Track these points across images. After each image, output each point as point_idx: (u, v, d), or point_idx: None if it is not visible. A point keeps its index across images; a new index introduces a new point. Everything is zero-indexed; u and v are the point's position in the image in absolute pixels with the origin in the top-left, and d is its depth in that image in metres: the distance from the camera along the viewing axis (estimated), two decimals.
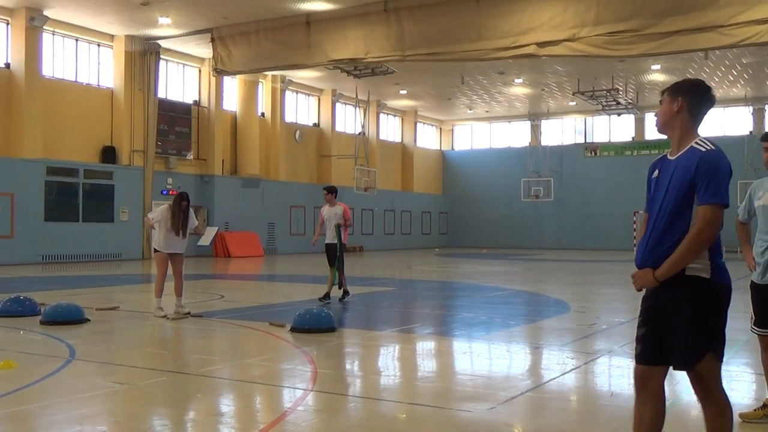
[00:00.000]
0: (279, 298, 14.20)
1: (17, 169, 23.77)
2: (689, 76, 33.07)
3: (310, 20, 22.42)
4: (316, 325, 9.01)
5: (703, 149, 3.58)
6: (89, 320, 9.87)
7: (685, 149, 3.66)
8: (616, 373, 7.03)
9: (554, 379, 6.56)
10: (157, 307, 10.57)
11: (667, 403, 5.68)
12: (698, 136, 3.69)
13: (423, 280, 19.66)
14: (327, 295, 12.59)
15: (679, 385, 6.34)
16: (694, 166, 3.54)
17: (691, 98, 3.70)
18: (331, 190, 12.98)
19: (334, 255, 12.76)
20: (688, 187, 3.55)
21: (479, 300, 14.19)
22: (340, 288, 12.80)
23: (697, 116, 3.71)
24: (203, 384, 6.34)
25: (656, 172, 3.79)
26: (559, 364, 7.23)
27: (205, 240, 11.73)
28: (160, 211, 10.74)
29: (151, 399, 5.92)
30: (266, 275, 21.91)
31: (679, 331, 3.57)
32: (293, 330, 9.02)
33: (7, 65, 24.24)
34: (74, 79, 26.62)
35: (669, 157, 3.76)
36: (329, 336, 8.82)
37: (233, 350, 8.49)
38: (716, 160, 3.52)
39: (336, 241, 12.76)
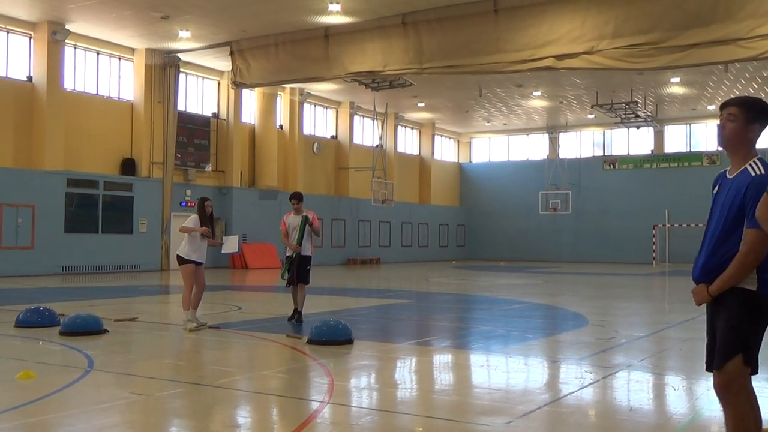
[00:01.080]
0: None
1: (38, 180, 24.03)
2: (709, 89, 33.07)
3: (329, 33, 22.56)
4: (333, 338, 9.01)
5: (754, 173, 3.68)
6: (108, 331, 9.92)
7: (740, 170, 3.76)
8: (635, 388, 6.97)
9: (572, 393, 6.51)
10: (187, 320, 10.41)
11: (687, 418, 5.65)
12: (756, 155, 3.79)
13: (440, 293, 19.61)
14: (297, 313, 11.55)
15: (700, 401, 6.27)
16: (744, 189, 3.65)
17: (765, 124, 3.81)
18: (299, 198, 11.82)
19: (303, 268, 11.53)
20: (738, 208, 3.67)
21: (496, 313, 14.13)
22: (295, 311, 11.62)
23: (759, 137, 3.84)
24: (220, 395, 6.35)
25: (716, 188, 3.91)
26: (577, 378, 7.18)
27: (232, 247, 11.64)
28: (193, 220, 10.64)
29: (169, 410, 5.94)
30: (284, 287, 21.93)
31: (718, 335, 3.77)
32: (310, 342, 9.03)
33: (30, 78, 24.54)
34: (95, 92, 26.90)
35: (727, 176, 3.86)
36: (346, 348, 8.81)
37: (250, 362, 8.50)
38: (765, 184, 3.57)
39: (306, 253, 11.53)
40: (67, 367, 7.59)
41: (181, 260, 10.62)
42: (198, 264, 10.62)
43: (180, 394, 6.47)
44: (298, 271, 11.45)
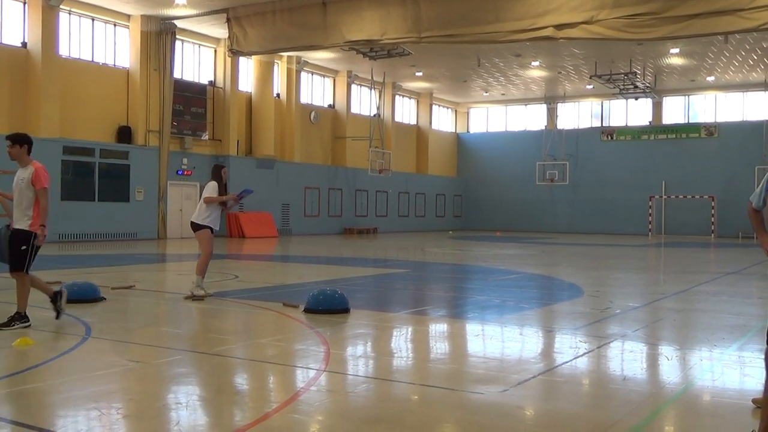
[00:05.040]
0: (293, 279, 14.24)
1: (34, 148, 23.74)
2: (709, 60, 32.91)
3: (327, 1, 22.33)
4: (329, 306, 9.05)
5: None
6: (105, 299, 9.96)
7: None
8: (629, 358, 7.02)
9: (567, 362, 6.56)
10: (199, 286, 10.44)
11: (680, 388, 5.69)
12: None
13: (436, 263, 19.67)
14: (18, 316, 7.74)
15: (693, 370, 6.33)
16: None
17: None
18: (17, 140, 8.38)
19: (12, 248, 7.87)
20: None
21: (492, 283, 14.18)
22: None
23: None
24: (217, 363, 6.39)
25: None
26: (571, 348, 7.23)
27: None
28: (212, 187, 10.53)
29: (166, 377, 5.97)
30: (280, 256, 21.99)
31: None
32: (307, 311, 9.07)
33: (24, 45, 24.33)
34: (90, 59, 26.69)
35: None
36: (342, 317, 8.85)
37: (247, 330, 8.54)
38: None
39: (22, 226, 7.96)
40: (64, 334, 7.62)
41: (198, 226, 10.57)
42: (212, 230, 10.65)
43: (177, 361, 6.51)
44: (9, 251, 7.97)
